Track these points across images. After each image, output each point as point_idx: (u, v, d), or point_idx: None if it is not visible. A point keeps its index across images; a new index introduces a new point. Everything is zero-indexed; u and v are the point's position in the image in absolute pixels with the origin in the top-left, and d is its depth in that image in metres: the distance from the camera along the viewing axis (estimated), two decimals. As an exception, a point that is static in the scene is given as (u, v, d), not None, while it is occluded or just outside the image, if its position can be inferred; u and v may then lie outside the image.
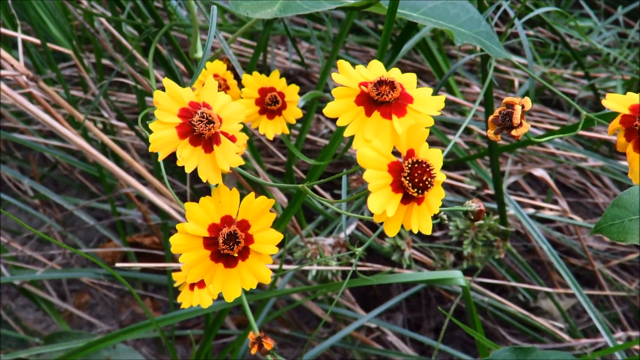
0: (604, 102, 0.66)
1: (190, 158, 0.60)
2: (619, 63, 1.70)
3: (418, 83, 0.75)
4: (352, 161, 1.58)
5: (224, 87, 1.01)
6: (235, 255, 0.62)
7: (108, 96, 1.58)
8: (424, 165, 0.57)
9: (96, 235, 1.79)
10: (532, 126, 1.59)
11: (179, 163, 0.60)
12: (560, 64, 1.84)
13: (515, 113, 0.70)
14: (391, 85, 0.60)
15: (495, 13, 1.08)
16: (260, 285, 1.38)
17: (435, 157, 0.58)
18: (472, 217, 0.73)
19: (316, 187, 1.50)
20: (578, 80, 1.78)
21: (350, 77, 0.62)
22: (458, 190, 1.56)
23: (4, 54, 1.15)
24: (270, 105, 0.97)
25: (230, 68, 1.03)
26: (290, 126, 1.01)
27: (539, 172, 1.47)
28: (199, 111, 0.60)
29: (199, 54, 1.07)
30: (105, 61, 1.66)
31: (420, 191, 0.57)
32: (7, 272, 1.47)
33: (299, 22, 1.84)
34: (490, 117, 0.72)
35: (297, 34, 1.73)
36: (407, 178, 0.57)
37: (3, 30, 1.30)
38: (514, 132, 0.71)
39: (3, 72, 1.15)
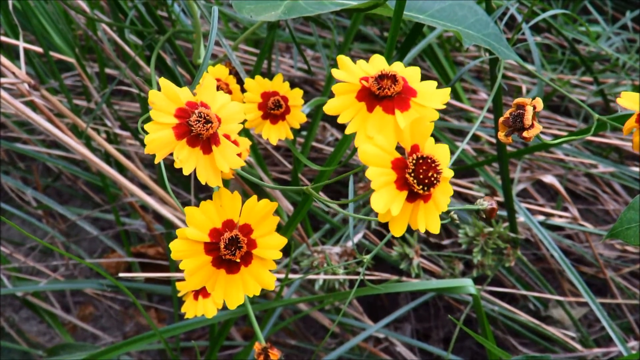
0: (619, 101, 0.64)
1: (188, 159, 0.58)
2: (627, 68, 1.68)
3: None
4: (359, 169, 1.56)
5: (226, 92, 0.99)
6: (238, 260, 0.60)
7: (111, 105, 1.57)
8: (429, 160, 0.55)
9: (100, 246, 1.77)
10: (541, 132, 1.57)
11: (177, 165, 0.58)
12: (568, 70, 1.82)
13: (526, 114, 0.68)
14: (393, 78, 0.58)
15: (502, 19, 1.06)
16: (266, 295, 1.36)
17: (442, 153, 0.56)
18: (484, 216, 0.70)
19: (322, 195, 1.48)
20: (586, 86, 1.76)
21: (351, 72, 0.60)
22: (466, 197, 1.54)
23: (5, 61, 1.14)
24: (273, 109, 0.95)
25: (233, 73, 1.02)
26: (295, 134, 0.99)
27: (549, 179, 1.45)
28: (196, 111, 0.58)
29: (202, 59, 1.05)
30: (108, 70, 1.65)
31: (425, 188, 0.54)
32: (10, 284, 1.45)
33: (303, 30, 1.83)
34: (501, 119, 0.71)
35: (301, 41, 1.72)
36: (412, 174, 0.54)
37: (4, 38, 1.29)
38: (525, 134, 0.69)
39: (4, 80, 1.14)
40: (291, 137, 0.98)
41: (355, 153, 1.08)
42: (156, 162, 0.58)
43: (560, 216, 1.50)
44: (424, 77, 0.62)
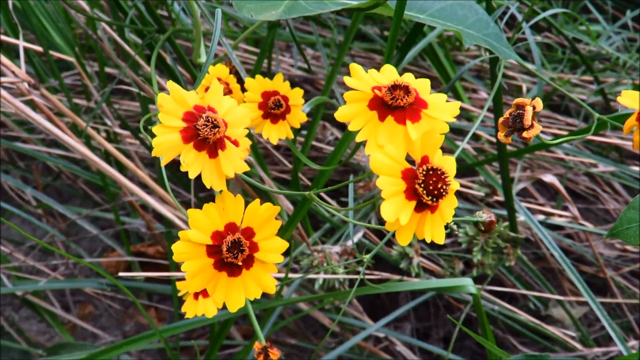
0: (619, 99, 0.64)
1: (194, 163, 0.58)
2: (628, 67, 1.68)
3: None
4: (359, 168, 1.56)
5: (226, 91, 0.99)
6: (240, 263, 0.60)
7: (111, 104, 1.57)
8: (438, 172, 0.55)
9: (100, 245, 1.77)
10: (541, 132, 1.57)
11: (183, 168, 0.58)
12: (568, 69, 1.82)
13: (526, 114, 0.68)
14: (406, 89, 0.58)
15: (502, 19, 1.06)
16: (266, 294, 1.36)
17: (449, 164, 0.57)
18: (482, 228, 0.70)
19: (322, 194, 1.48)
20: (587, 85, 1.76)
21: (363, 80, 0.60)
22: (466, 197, 1.54)
23: (5, 60, 1.14)
24: (273, 109, 0.95)
25: (233, 72, 1.02)
26: (295, 133, 0.99)
27: (549, 178, 1.45)
28: (204, 115, 0.58)
29: (203, 58, 1.05)
30: (108, 69, 1.65)
31: (434, 199, 0.55)
32: (10, 283, 1.45)
33: (303, 29, 1.83)
34: (501, 119, 0.71)
35: (302, 40, 1.72)
36: (422, 185, 0.55)
37: (4, 37, 1.29)
38: (525, 134, 0.69)
39: (4, 79, 1.13)
40: (291, 136, 0.97)
41: (355, 153, 1.08)
42: (162, 165, 0.58)
43: (561, 215, 1.50)
44: (424, 76, 0.62)
